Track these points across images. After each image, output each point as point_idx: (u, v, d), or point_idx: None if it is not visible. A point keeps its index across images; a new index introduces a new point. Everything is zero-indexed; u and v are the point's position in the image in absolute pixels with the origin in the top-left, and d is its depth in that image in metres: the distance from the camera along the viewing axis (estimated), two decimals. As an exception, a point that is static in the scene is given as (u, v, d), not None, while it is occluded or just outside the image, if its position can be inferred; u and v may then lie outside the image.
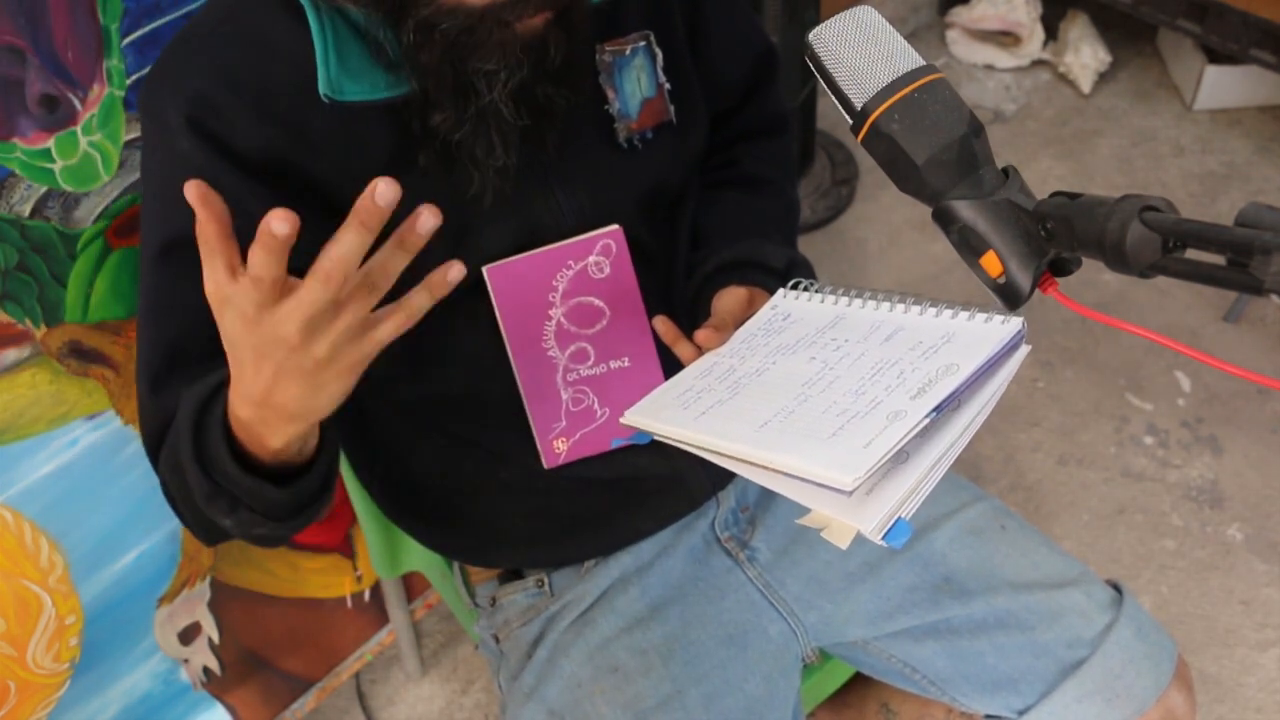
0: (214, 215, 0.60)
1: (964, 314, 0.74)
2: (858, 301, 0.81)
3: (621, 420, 0.80)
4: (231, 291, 0.62)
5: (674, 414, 0.77)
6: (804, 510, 0.68)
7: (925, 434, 0.66)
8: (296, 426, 0.71)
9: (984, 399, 0.69)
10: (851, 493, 0.62)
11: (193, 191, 0.59)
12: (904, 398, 0.67)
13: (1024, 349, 0.71)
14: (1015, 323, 0.71)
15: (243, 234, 0.82)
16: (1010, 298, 0.66)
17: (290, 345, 0.63)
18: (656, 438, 0.78)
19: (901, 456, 0.65)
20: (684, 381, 0.82)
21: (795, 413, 0.71)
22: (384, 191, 0.58)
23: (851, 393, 0.70)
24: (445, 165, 0.82)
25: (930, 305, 0.76)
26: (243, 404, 0.70)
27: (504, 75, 0.77)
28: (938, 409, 0.65)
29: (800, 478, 0.65)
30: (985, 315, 0.72)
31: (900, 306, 0.78)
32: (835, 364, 0.75)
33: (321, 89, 0.78)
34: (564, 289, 0.90)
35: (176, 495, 0.82)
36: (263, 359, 0.65)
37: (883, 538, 0.63)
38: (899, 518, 0.64)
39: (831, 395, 0.71)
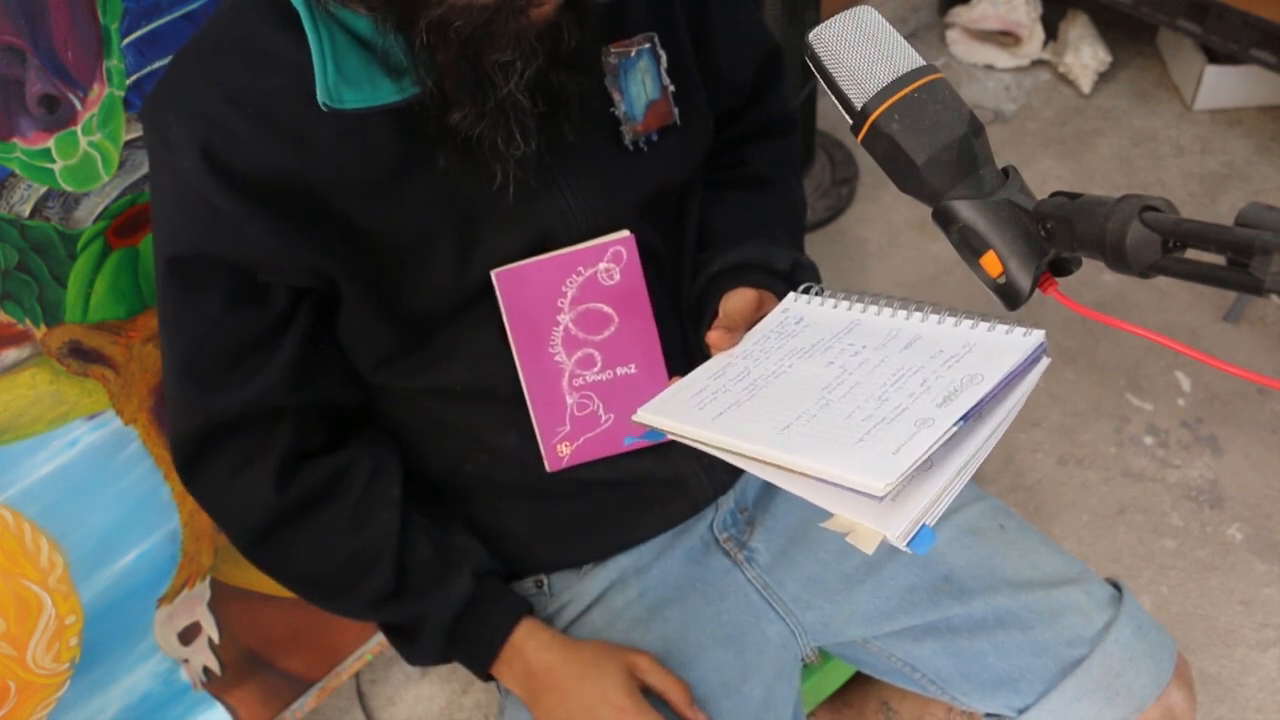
0: None
1: (983, 325, 0.74)
2: (872, 308, 0.81)
3: (634, 418, 0.80)
4: None
5: (690, 413, 0.77)
6: (823, 514, 0.68)
7: (950, 443, 0.66)
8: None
9: (1005, 410, 0.69)
10: (882, 498, 0.62)
11: None
12: (930, 405, 0.67)
13: (1044, 362, 0.71)
14: (1037, 335, 0.71)
15: (238, 255, 0.83)
16: (1010, 298, 0.66)
17: None
18: (670, 436, 0.78)
19: (926, 464, 0.65)
20: (697, 381, 0.81)
21: (818, 417, 0.70)
22: None
23: (875, 398, 0.70)
24: (465, 163, 0.82)
25: (948, 314, 0.76)
26: (514, 682, 0.95)
27: (520, 65, 0.77)
28: (965, 417, 0.65)
29: (827, 481, 0.65)
30: (1006, 327, 0.72)
31: (917, 315, 0.78)
32: (855, 369, 0.74)
33: (320, 98, 0.78)
34: (573, 295, 0.90)
35: (301, 571, 0.97)
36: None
37: (908, 544, 0.63)
38: (923, 525, 0.64)
39: (854, 400, 0.71)
